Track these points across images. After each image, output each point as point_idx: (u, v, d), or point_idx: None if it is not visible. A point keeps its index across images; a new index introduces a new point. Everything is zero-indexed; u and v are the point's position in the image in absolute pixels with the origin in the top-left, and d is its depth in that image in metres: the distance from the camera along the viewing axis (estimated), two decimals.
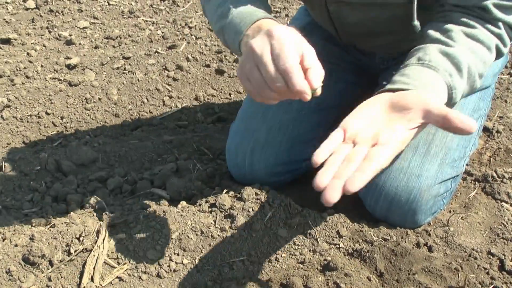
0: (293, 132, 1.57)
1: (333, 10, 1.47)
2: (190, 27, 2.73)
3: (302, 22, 1.78)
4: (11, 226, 1.40)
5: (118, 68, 2.38)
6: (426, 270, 1.23)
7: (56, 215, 1.49)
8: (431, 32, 1.21)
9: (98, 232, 1.34)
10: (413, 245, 1.32)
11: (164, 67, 2.37)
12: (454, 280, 1.21)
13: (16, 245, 1.29)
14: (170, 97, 2.22)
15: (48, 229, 1.36)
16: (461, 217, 1.42)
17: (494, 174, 1.56)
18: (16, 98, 2.14)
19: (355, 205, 1.47)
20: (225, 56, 2.44)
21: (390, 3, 1.34)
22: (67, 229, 1.34)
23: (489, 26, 1.19)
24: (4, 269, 1.22)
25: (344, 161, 0.89)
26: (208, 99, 2.21)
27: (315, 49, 1.02)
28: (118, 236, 1.33)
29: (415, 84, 1.06)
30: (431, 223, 1.42)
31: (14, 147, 1.92)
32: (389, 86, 1.08)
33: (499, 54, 1.23)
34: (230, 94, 2.23)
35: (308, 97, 0.96)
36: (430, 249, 1.31)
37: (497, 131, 1.76)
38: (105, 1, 3.09)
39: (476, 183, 1.56)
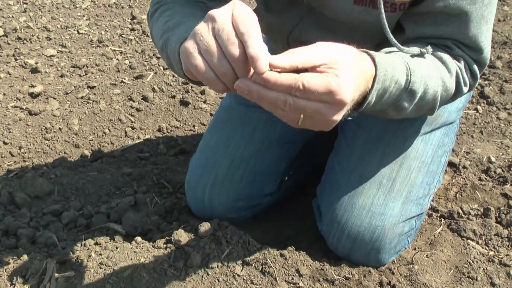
0: (255, 166, 1.53)
1: None
2: (158, 58, 2.69)
3: None
4: None
5: (82, 97, 2.32)
6: None
7: (4, 250, 1.42)
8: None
9: (45, 269, 1.27)
10: (376, 284, 1.29)
11: (129, 97, 2.32)
12: None
13: None
14: (133, 128, 2.16)
15: None
16: (426, 255, 1.39)
17: (460, 211, 1.54)
18: None
19: (317, 243, 1.43)
20: (191, 87, 2.40)
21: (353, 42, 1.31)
22: (13, 266, 1.28)
23: (452, 58, 1.18)
24: None
25: None
26: (171, 130, 2.16)
27: None
28: (66, 274, 1.27)
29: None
30: (395, 261, 1.38)
31: None
32: None
33: (458, 89, 1.20)
34: (194, 126, 2.19)
35: (264, 66, 0.85)
36: None
37: (464, 167, 1.74)
38: (74, 30, 3.04)
39: (442, 219, 1.53)
